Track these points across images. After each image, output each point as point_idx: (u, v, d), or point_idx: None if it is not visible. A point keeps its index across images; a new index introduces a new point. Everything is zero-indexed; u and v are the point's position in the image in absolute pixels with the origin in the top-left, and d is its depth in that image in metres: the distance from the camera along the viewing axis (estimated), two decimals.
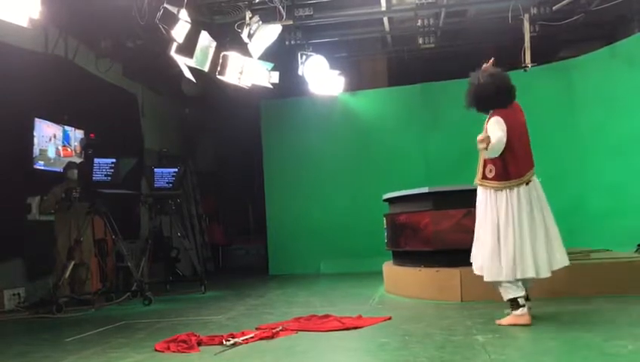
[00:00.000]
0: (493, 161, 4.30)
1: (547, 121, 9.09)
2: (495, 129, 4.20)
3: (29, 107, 6.92)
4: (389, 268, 6.76)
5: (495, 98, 4.33)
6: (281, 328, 4.44)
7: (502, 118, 4.26)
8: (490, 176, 4.34)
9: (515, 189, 4.27)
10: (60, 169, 7.27)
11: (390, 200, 6.85)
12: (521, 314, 4.25)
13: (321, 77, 9.01)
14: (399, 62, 10.63)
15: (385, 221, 6.88)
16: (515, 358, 3.23)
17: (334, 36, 9.29)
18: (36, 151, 7.11)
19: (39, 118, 7.14)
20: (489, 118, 4.36)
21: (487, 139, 4.06)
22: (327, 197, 10.02)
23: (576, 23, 8.61)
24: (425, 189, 6.10)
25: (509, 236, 4.22)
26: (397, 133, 9.83)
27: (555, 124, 9.04)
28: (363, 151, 9.95)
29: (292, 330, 4.43)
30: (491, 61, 4.52)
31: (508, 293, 4.32)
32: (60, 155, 7.56)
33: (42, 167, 7.22)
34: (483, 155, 4.34)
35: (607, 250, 6.68)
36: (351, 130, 10.06)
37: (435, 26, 8.84)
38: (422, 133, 9.69)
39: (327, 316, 4.92)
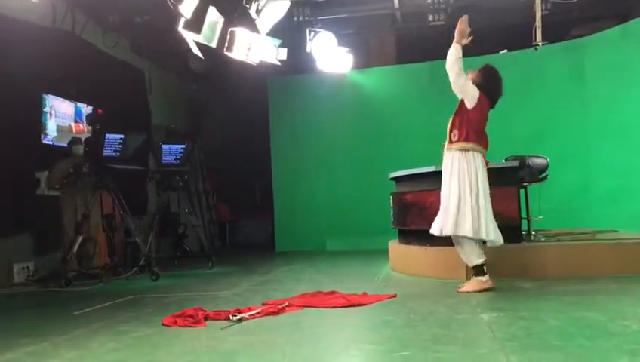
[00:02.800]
0: (459, 127, 4.80)
1: (557, 100, 9.01)
2: (471, 85, 4.79)
3: (37, 82, 6.91)
4: (394, 246, 6.79)
5: (493, 88, 4.89)
6: (287, 304, 4.47)
7: (481, 97, 4.80)
8: (454, 139, 4.84)
9: (477, 156, 4.73)
10: (64, 144, 7.28)
11: (397, 179, 6.85)
12: (485, 280, 4.72)
13: (330, 54, 8.94)
14: (408, 40, 10.52)
15: (391, 199, 6.89)
16: (519, 336, 3.25)
17: (343, 13, 9.20)
18: (46, 126, 7.12)
19: (47, 92, 7.15)
20: None
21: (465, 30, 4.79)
22: (334, 175, 10.03)
23: (589, 1, 8.47)
24: (431, 168, 6.09)
25: (474, 197, 4.65)
26: (405, 111, 9.77)
27: (564, 103, 8.96)
28: (371, 129, 9.91)
29: (298, 306, 4.47)
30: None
31: (472, 260, 4.76)
32: (72, 131, 7.57)
33: (51, 142, 7.24)
34: (456, 45, 5.01)
35: (614, 231, 6.68)
36: (359, 107, 10.01)
37: (446, 3, 8.73)
38: (430, 111, 9.55)
39: (332, 292, 4.96)
